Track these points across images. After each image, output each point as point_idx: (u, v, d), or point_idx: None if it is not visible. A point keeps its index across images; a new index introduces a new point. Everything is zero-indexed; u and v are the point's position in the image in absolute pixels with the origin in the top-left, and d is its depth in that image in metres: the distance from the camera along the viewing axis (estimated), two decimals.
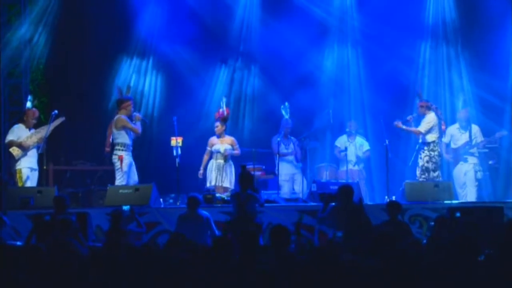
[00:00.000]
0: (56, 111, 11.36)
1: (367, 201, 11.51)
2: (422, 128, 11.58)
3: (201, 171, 11.69)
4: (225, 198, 10.67)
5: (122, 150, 10.95)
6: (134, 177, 11.14)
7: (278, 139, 12.06)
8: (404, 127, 11.72)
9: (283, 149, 12.11)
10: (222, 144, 11.60)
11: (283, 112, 12.25)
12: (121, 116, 11.03)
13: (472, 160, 11.87)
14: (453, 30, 13.60)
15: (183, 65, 14.02)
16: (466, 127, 11.93)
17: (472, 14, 13.37)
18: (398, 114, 12.16)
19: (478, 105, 13.08)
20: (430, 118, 11.60)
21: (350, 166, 12.40)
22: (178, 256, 6.30)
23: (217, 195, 10.71)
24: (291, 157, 12.25)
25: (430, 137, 11.55)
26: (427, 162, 11.47)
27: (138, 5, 13.80)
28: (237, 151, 11.69)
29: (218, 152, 11.55)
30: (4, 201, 10.41)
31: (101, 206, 11.11)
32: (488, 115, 12.97)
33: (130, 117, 11.12)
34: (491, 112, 13.00)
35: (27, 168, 11.23)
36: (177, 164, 11.18)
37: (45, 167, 11.81)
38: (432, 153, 11.50)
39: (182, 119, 11.76)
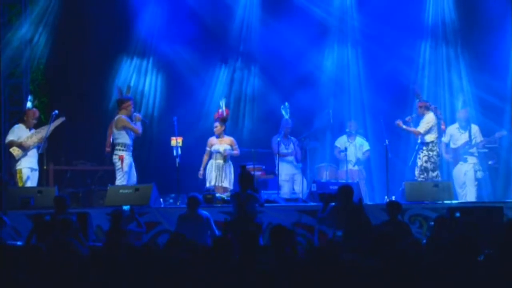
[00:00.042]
0: (56, 111, 11.37)
1: (367, 201, 11.51)
2: (421, 128, 11.59)
3: (201, 171, 11.69)
4: (225, 198, 10.66)
5: (123, 150, 10.97)
6: (133, 178, 11.15)
7: (278, 139, 12.06)
8: (404, 126, 11.74)
9: (283, 149, 12.12)
10: (221, 144, 11.60)
11: (283, 112, 12.25)
12: (121, 116, 11.04)
13: (472, 160, 11.88)
14: (452, 31, 13.59)
15: (183, 65, 14.01)
16: (466, 127, 11.94)
17: (472, 15, 13.37)
18: (398, 114, 12.16)
19: (478, 106, 13.07)
20: (429, 119, 11.61)
21: (350, 166, 12.40)
22: (178, 256, 6.30)
23: (217, 195, 10.71)
24: (291, 157, 12.25)
25: (429, 137, 11.57)
26: (426, 162, 11.49)
27: (138, 5, 13.79)
28: (236, 151, 11.69)
29: (218, 152, 11.56)
30: (5, 201, 10.41)
31: (101, 206, 11.11)
32: (488, 115, 12.96)
33: (130, 117, 11.13)
34: (490, 112, 12.99)
35: (28, 168, 11.23)
36: (177, 164, 11.19)
37: (45, 167, 11.84)
38: (431, 153, 11.52)
39: (182, 119, 11.76)
